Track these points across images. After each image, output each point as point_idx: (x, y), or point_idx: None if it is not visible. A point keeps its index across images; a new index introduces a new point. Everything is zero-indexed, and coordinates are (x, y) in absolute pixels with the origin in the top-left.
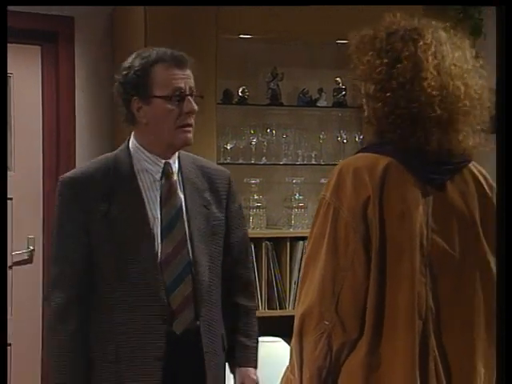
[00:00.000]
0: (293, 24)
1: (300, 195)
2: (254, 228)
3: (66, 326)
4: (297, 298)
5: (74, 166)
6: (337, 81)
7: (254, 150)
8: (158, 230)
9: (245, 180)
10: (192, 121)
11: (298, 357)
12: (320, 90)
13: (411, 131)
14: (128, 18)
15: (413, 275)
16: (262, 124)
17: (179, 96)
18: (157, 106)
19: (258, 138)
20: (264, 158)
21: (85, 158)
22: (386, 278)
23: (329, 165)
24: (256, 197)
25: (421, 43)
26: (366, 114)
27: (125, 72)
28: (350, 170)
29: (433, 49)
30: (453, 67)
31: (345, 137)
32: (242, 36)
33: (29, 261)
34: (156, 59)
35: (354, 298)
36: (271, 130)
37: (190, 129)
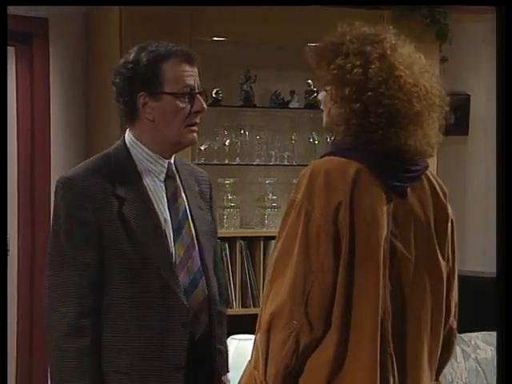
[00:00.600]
0: (265, 27)
1: (273, 195)
2: (228, 227)
3: (80, 341)
4: (265, 295)
5: (50, 167)
6: (308, 83)
7: (227, 150)
8: (170, 232)
9: (219, 180)
10: (198, 120)
11: (263, 353)
12: (292, 92)
13: (393, 129)
14: (103, 18)
15: (378, 278)
16: (235, 125)
17: (189, 94)
18: (166, 103)
19: (231, 139)
20: (238, 159)
21: (60, 158)
22: (353, 280)
23: (300, 165)
24: (230, 197)
25: (387, 45)
26: (337, 116)
27: (130, 66)
28: (321, 174)
29: (398, 50)
30: (415, 66)
31: (316, 138)
32: (215, 38)
33: None
34: (167, 54)
35: (323, 298)
36: (244, 131)
37: (197, 128)
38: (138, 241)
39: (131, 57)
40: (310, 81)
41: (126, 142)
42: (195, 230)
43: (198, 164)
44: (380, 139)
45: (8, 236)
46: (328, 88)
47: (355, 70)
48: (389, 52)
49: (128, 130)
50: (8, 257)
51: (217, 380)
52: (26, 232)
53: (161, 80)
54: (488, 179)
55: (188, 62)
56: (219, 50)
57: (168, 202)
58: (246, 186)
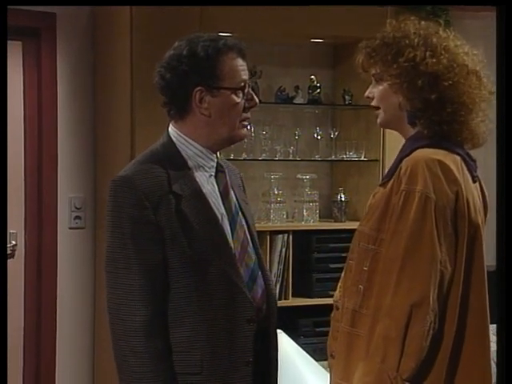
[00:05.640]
0: (270, 24)
1: (278, 190)
2: None
3: (155, 343)
4: (389, 286)
5: (56, 162)
6: (312, 79)
7: (233, 145)
8: (227, 227)
9: None
10: (250, 115)
11: (398, 346)
12: (297, 88)
13: (466, 118)
14: (112, 13)
15: (484, 268)
16: None
17: (244, 88)
18: (224, 98)
19: None
20: (244, 154)
21: (67, 153)
22: (471, 273)
23: (304, 160)
24: None
25: (446, 36)
26: (409, 109)
27: (185, 60)
28: (436, 164)
29: (455, 40)
30: (471, 55)
31: (320, 133)
32: (221, 34)
33: (11, 256)
34: (224, 48)
35: (443, 288)
36: (250, 127)
37: (248, 123)
38: (199, 238)
39: (185, 50)
40: (313, 76)
41: (172, 137)
42: (246, 223)
43: None
44: (458, 129)
45: (15, 231)
46: (389, 83)
47: (428, 61)
48: (451, 43)
49: (172, 125)
50: (15, 251)
51: (275, 374)
52: (33, 226)
53: (220, 74)
54: None
55: (242, 55)
56: None
57: (221, 196)
58: (251, 181)
